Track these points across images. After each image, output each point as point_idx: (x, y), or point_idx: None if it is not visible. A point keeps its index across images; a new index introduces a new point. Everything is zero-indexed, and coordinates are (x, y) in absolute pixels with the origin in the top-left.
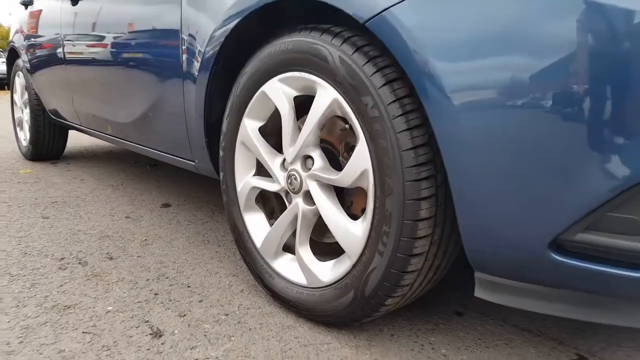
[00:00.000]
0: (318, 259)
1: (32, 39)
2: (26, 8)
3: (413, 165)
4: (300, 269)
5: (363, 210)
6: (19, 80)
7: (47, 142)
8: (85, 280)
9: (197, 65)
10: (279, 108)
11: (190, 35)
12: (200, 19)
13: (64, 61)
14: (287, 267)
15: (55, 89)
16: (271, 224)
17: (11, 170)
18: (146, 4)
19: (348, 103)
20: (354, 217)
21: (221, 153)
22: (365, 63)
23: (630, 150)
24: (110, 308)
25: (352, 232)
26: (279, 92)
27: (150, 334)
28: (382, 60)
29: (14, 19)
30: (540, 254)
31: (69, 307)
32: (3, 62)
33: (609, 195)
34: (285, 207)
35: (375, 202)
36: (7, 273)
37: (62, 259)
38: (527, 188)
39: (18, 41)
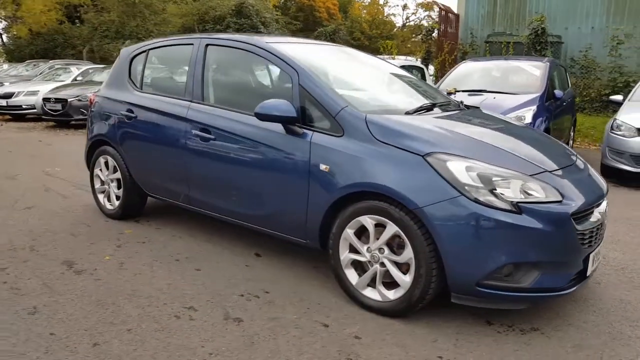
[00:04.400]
0: (386, 289)
1: (136, 145)
2: (129, 119)
3: (430, 257)
4: (378, 294)
5: (407, 269)
6: (105, 161)
7: (133, 206)
8: (265, 304)
9: (319, 209)
10: (367, 227)
11: (313, 200)
12: (320, 190)
13: (185, 167)
14: (369, 293)
15: (163, 178)
16: (358, 274)
17: (116, 230)
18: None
19: (403, 232)
20: (402, 272)
21: (331, 241)
22: (409, 220)
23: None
24: (295, 317)
25: (404, 280)
26: (367, 221)
27: (322, 325)
28: (419, 220)
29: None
30: (473, 287)
31: (272, 320)
32: None
33: (493, 269)
34: (365, 267)
35: (415, 270)
36: (221, 307)
37: (242, 295)
38: (469, 259)
39: (111, 137)
